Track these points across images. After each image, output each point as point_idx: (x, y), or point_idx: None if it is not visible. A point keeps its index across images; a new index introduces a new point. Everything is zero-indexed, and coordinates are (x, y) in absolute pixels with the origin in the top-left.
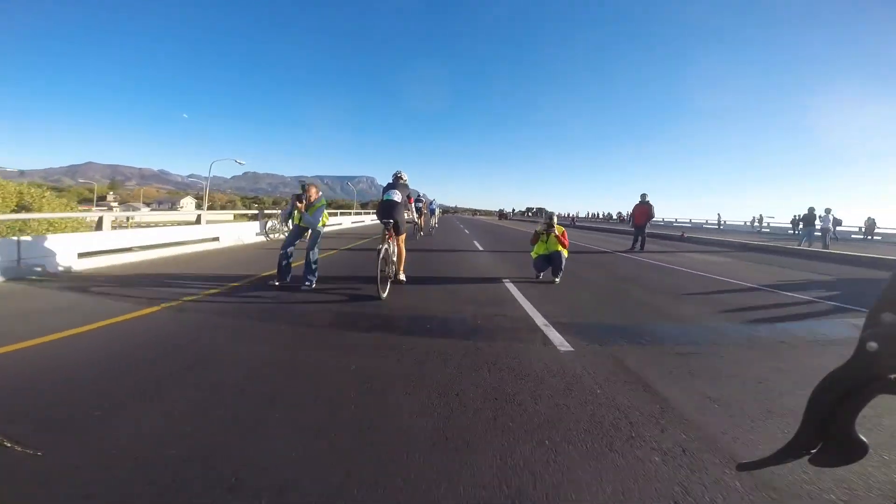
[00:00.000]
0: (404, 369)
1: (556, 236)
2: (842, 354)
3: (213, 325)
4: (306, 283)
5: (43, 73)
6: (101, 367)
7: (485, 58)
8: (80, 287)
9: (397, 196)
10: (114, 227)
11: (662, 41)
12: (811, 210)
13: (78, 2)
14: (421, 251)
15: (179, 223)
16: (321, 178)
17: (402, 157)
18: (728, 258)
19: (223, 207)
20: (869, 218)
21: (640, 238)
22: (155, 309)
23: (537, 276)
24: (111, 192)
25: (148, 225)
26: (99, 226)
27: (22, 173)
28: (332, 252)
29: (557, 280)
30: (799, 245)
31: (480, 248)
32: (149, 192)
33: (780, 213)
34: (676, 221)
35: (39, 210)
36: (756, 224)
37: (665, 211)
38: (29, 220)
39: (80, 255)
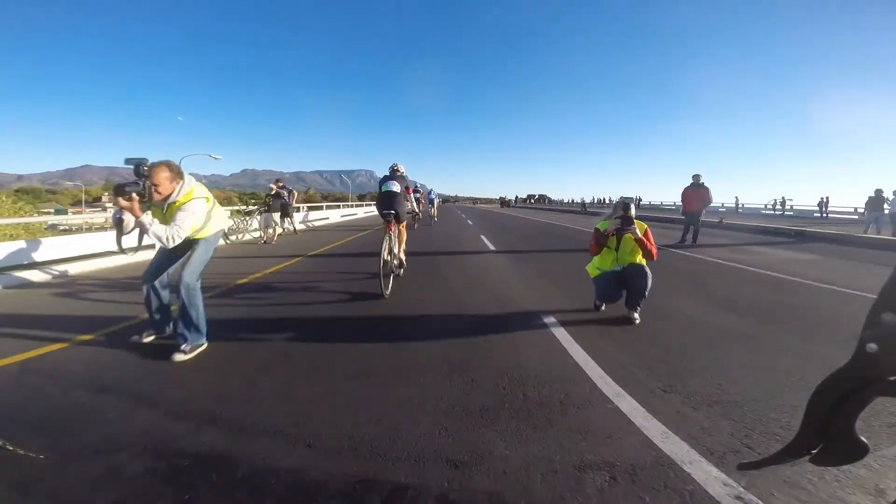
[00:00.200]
0: None
1: (639, 239)
2: None
3: None
4: (182, 345)
5: (41, 77)
6: None
7: (481, 50)
8: None
9: (396, 186)
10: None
11: (658, 37)
12: (878, 192)
13: (74, 2)
14: (418, 255)
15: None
16: (320, 172)
17: (400, 149)
18: (808, 254)
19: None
20: None
21: (691, 229)
22: None
23: (598, 308)
24: (105, 194)
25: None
26: None
27: (20, 177)
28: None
29: (636, 316)
30: (865, 232)
31: (492, 248)
32: None
33: (800, 196)
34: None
35: None
36: (779, 207)
37: (666, 194)
38: None
39: None
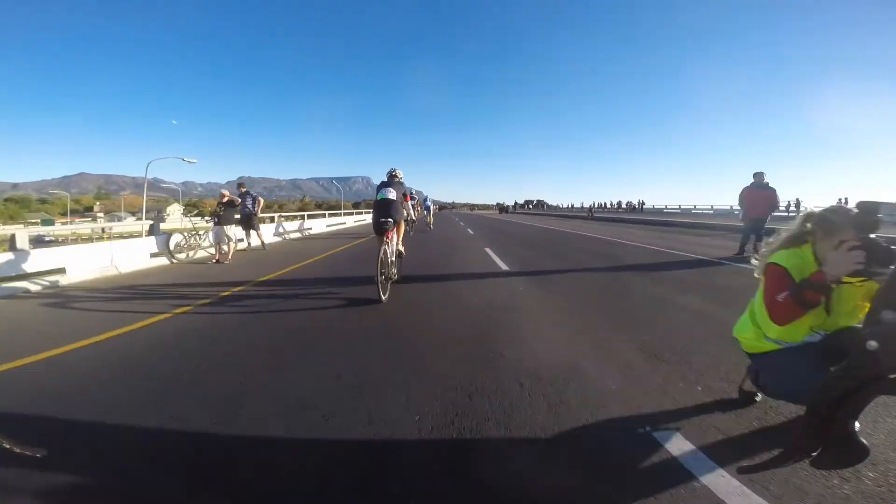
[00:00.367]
0: None
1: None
2: None
3: None
4: None
5: (37, 85)
6: None
7: (477, 57)
8: None
9: (392, 194)
10: None
11: (657, 42)
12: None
13: (75, 2)
14: (410, 284)
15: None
16: (317, 180)
17: (397, 156)
18: None
19: (213, 213)
20: None
21: (753, 238)
22: None
23: (749, 396)
24: (98, 203)
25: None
26: None
27: (15, 186)
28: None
29: (858, 434)
30: None
31: (504, 268)
32: (135, 201)
33: (820, 198)
34: (695, 208)
35: None
36: (793, 209)
37: (667, 198)
38: None
39: None
